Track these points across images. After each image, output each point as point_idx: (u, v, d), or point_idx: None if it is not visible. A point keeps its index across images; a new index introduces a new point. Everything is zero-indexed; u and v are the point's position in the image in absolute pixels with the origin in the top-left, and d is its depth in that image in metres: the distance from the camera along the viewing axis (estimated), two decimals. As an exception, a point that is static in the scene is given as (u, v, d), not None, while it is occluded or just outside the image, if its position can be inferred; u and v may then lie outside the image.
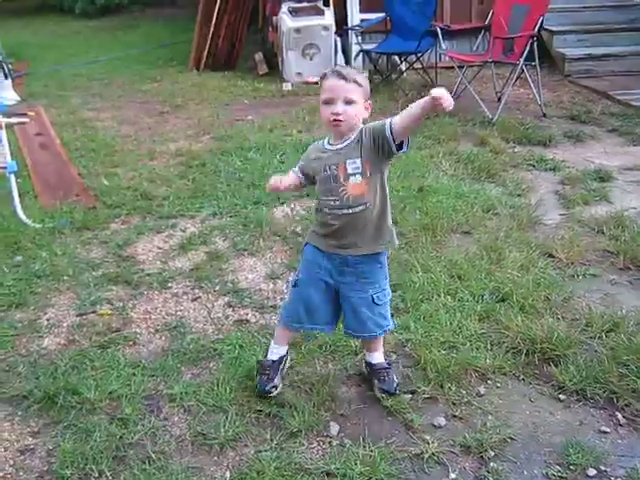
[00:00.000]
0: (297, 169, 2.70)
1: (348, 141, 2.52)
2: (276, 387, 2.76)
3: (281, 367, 2.82)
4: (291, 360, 2.92)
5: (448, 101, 2.25)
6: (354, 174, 2.49)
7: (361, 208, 2.51)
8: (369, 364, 2.85)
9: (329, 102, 2.47)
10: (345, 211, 2.52)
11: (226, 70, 9.05)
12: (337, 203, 2.52)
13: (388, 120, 2.45)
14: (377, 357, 2.84)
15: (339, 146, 2.53)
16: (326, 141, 2.60)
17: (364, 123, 2.53)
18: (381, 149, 2.47)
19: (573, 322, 3.16)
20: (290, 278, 2.87)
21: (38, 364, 3.01)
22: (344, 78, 2.44)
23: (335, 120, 2.46)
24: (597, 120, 6.30)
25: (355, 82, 2.46)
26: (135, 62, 10.12)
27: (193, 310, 3.44)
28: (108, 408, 2.71)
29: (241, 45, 9.32)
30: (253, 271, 3.78)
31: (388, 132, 2.42)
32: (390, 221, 2.62)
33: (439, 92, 2.25)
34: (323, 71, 2.59)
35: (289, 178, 2.68)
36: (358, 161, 2.48)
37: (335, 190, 2.51)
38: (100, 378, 2.87)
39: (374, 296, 2.65)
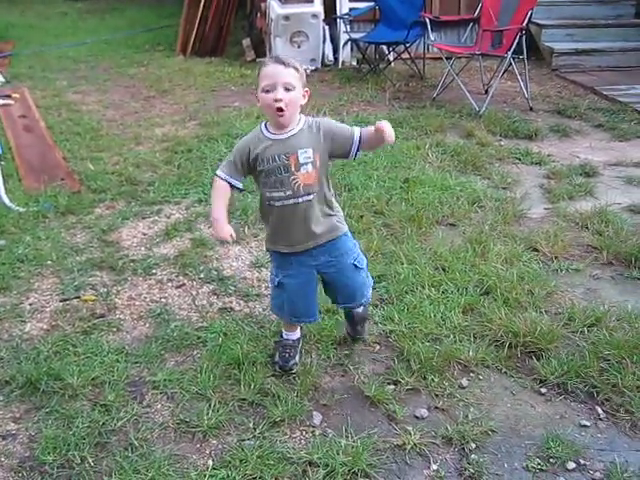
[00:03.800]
0: (225, 174, 2.59)
1: (295, 130, 2.53)
2: (296, 364, 2.83)
3: (299, 346, 2.91)
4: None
5: (390, 136, 2.44)
6: (305, 163, 2.51)
7: (310, 197, 2.55)
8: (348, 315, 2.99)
9: (269, 89, 2.46)
10: (295, 200, 2.54)
11: (213, 56, 8.99)
12: (288, 193, 2.53)
13: (357, 130, 2.54)
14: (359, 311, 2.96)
15: (285, 135, 2.53)
16: (264, 130, 2.57)
17: (301, 111, 2.56)
18: (339, 150, 2.56)
19: (556, 316, 3.19)
20: (270, 276, 2.86)
21: (20, 349, 3.00)
22: (283, 63, 2.47)
23: (278, 108, 2.45)
24: (583, 115, 6.32)
25: (294, 68, 2.48)
26: (122, 46, 10.02)
27: (177, 297, 3.44)
28: (91, 394, 2.71)
29: (229, 31, 9.25)
30: (238, 259, 3.77)
31: (356, 141, 2.53)
32: (337, 209, 2.70)
33: (383, 124, 2.42)
34: (267, 58, 2.61)
35: (222, 203, 2.59)
36: (310, 151, 2.51)
37: (286, 180, 2.52)
38: (83, 364, 2.86)
39: (354, 262, 2.73)
